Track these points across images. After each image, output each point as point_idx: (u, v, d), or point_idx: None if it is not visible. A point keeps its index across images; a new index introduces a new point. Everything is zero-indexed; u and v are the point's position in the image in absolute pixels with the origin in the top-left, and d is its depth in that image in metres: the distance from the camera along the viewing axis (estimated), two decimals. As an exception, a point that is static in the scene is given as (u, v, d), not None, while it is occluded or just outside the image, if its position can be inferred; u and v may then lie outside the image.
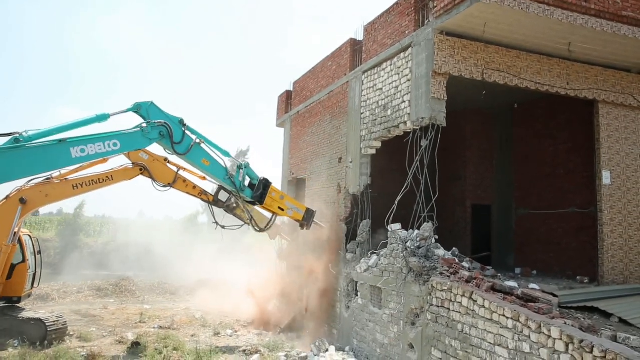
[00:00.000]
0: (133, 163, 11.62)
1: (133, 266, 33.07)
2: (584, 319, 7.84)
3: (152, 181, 11.67)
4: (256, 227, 12.64)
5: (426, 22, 10.25)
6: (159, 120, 10.45)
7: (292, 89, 18.83)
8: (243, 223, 12.80)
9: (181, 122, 10.86)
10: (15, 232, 10.92)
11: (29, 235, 13.21)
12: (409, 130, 10.65)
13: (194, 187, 12.31)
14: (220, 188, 12.34)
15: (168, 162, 12.10)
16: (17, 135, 9.24)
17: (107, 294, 21.00)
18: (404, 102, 10.77)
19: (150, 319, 16.02)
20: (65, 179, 11.23)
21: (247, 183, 11.92)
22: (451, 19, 9.35)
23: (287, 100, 19.17)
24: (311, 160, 15.87)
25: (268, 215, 12.84)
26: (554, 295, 8.67)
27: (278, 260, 17.07)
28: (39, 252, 13.54)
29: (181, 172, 12.18)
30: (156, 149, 11.35)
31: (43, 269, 14.13)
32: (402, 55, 10.99)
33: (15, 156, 9.11)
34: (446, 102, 10.02)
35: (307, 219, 12.65)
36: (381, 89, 11.80)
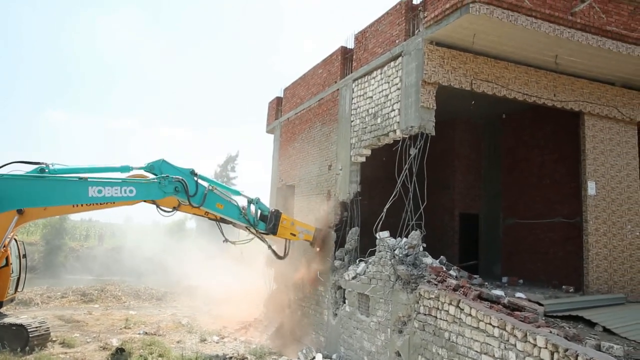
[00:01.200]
0: None
1: (119, 271, 32.64)
2: (569, 328, 7.92)
3: (157, 207, 11.57)
4: (276, 256, 12.99)
5: (416, 31, 10.37)
6: (176, 177, 10.76)
7: (282, 95, 18.87)
8: (252, 237, 12.83)
9: (192, 173, 11.19)
10: (5, 243, 10.83)
11: (14, 239, 12.97)
12: (399, 139, 10.72)
13: None
14: None
15: None
16: (44, 165, 9.91)
17: (91, 299, 20.71)
18: (394, 110, 10.86)
19: (136, 325, 15.82)
20: None
21: (258, 216, 12.28)
22: (441, 29, 9.48)
23: (277, 106, 19.19)
24: (301, 167, 15.88)
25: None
26: (540, 304, 8.74)
27: (266, 267, 17.00)
28: (24, 256, 13.31)
29: None
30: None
31: (27, 273, 13.89)
32: (392, 64, 11.10)
33: (38, 185, 9.72)
34: (435, 112, 10.13)
35: (316, 237, 13.08)
36: (371, 97, 11.88)
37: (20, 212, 10.45)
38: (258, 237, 12.54)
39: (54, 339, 12.89)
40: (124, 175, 10.99)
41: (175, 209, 11.71)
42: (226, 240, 12.48)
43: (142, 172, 11.27)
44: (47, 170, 9.97)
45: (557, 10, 9.31)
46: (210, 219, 12.49)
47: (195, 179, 11.14)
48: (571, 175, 12.54)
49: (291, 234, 12.62)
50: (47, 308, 18.68)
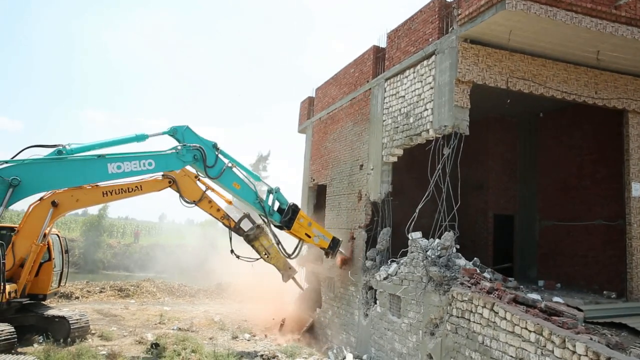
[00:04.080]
0: (163, 175, 11.78)
1: (153, 268, 33.60)
2: (611, 335, 7.60)
3: (179, 196, 11.75)
4: (284, 253, 12.56)
5: (450, 29, 10.19)
6: (193, 144, 10.75)
7: (314, 95, 18.93)
8: (259, 257, 12.58)
9: (214, 146, 11.20)
10: (45, 233, 11.27)
11: (57, 235, 13.57)
12: (431, 139, 10.57)
13: (218, 209, 12.29)
14: (245, 216, 12.38)
15: (198, 179, 12.21)
16: (61, 147, 9.86)
17: (128, 294, 21.37)
18: (427, 110, 10.71)
19: (170, 321, 16.22)
20: (97, 185, 11.52)
21: (276, 207, 12.06)
22: (475, 26, 9.28)
23: (309, 106, 19.27)
24: (332, 166, 15.89)
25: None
26: (579, 310, 8.44)
27: (298, 266, 17.09)
28: (67, 251, 13.88)
29: (209, 193, 12.26)
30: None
31: (69, 268, 14.47)
32: (425, 62, 10.95)
33: (57, 167, 9.73)
34: (469, 110, 9.93)
35: (332, 247, 12.67)
36: (404, 96, 11.76)
37: (54, 204, 10.89)
38: (269, 228, 12.17)
39: (93, 331, 13.37)
40: (140, 145, 10.86)
41: (195, 202, 11.72)
42: (232, 251, 12.36)
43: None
44: (64, 152, 9.87)
45: (599, 4, 8.95)
46: (225, 225, 12.31)
47: (217, 153, 11.05)
48: (612, 176, 12.03)
49: (306, 234, 12.26)
50: (87, 302, 19.40)
